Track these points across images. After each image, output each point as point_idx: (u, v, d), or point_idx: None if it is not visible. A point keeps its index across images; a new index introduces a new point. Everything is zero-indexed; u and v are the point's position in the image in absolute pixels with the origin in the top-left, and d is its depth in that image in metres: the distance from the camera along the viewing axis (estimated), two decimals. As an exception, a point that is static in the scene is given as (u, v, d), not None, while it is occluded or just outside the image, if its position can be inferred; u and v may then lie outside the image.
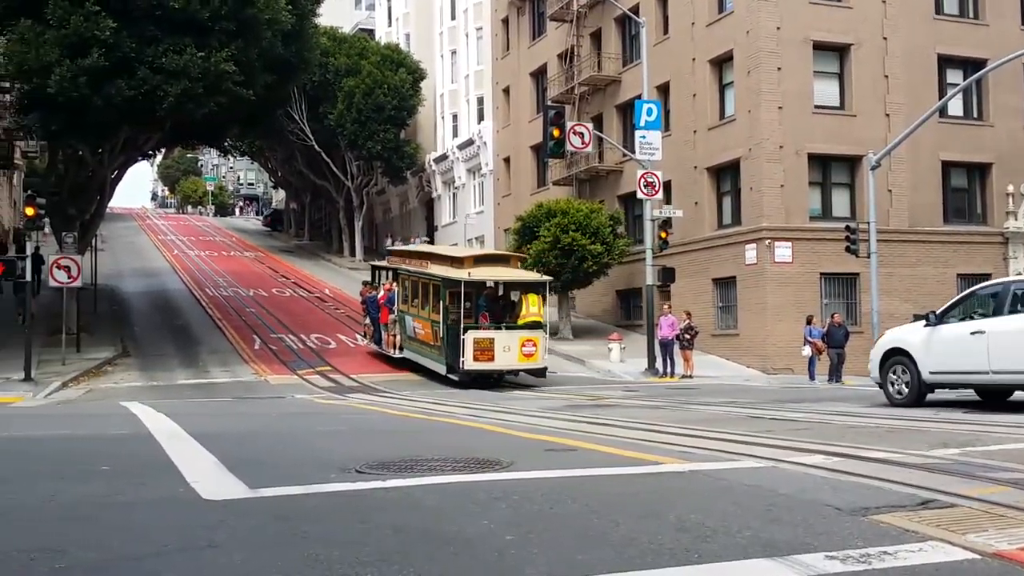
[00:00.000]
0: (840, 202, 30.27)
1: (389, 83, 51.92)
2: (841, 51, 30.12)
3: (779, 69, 28.99)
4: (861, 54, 29.99)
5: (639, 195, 28.13)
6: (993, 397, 14.49)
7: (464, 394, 20.06)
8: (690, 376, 25.80)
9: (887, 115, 30.10)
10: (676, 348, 26.56)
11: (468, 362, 22.27)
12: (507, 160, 45.78)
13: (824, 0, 29.90)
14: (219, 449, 8.57)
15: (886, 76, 30.23)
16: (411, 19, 60.03)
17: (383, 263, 31.58)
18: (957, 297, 15.41)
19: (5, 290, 31.94)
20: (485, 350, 22.33)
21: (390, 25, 63.19)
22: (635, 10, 33.84)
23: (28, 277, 25.12)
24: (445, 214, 53.99)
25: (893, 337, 15.34)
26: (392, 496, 6.19)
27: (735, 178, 30.59)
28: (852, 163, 30.03)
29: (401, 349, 26.51)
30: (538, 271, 28.95)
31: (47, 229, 34.01)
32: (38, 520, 5.50)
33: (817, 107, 29.55)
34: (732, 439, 9.33)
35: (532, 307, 22.83)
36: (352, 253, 58.02)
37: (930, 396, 14.70)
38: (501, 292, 24.06)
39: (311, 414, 14.85)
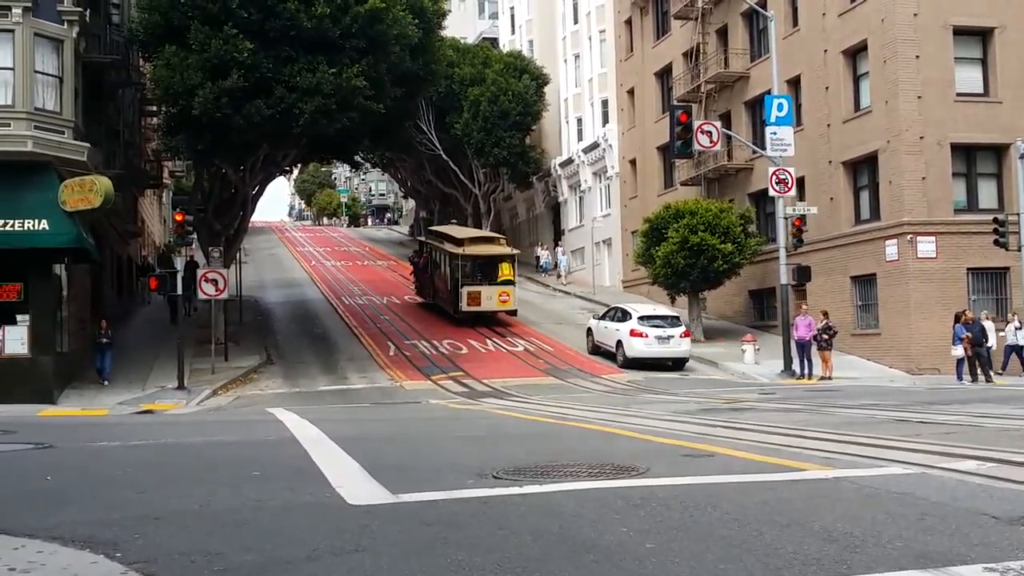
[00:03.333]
0: (987, 193, 28.83)
1: (513, 90, 52.34)
2: (984, 35, 28.69)
3: (917, 57, 27.83)
4: (1006, 37, 28.49)
5: (771, 192, 27.52)
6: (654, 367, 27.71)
7: (597, 399, 20.05)
8: (829, 377, 25.06)
9: (1036, 100, 28.52)
10: (814, 349, 25.86)
11: (464, 306, 34.38)
12: (633, 162, 45.48)
13: (964, -17, 28.57)
14: (361, 454, 8.83)
15: (1034, 59, 28.66)
16: (534, 26, 60.36)
17: (423, 239, 43.96)
18: (607, 309, 31.55)
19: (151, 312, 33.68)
20: (475, 298, 34.37)
21: (513, 33, 63.72)
22: (763, 4, 33.10)
23: (179, 290, 26.49)
24: (572, 218, 54.01)
25: (589, 324, 31.29)
26: (530, 502, 6.25)
27: (873, 171, 29.53)
28: (999, 152, 28.56)
29: (433, 298, 38.79)
30: (666, 272, 32.15)
31: (194, 245, 35.77)
32: (197, 524, 5.80)
33: (959, 95, 28.23)
34: (877, 444, 9.02)
35: (506, 271, 34.95)
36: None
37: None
38: (488, 260, 35.23)
39: (446, 419, 15.11)
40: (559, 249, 51.61)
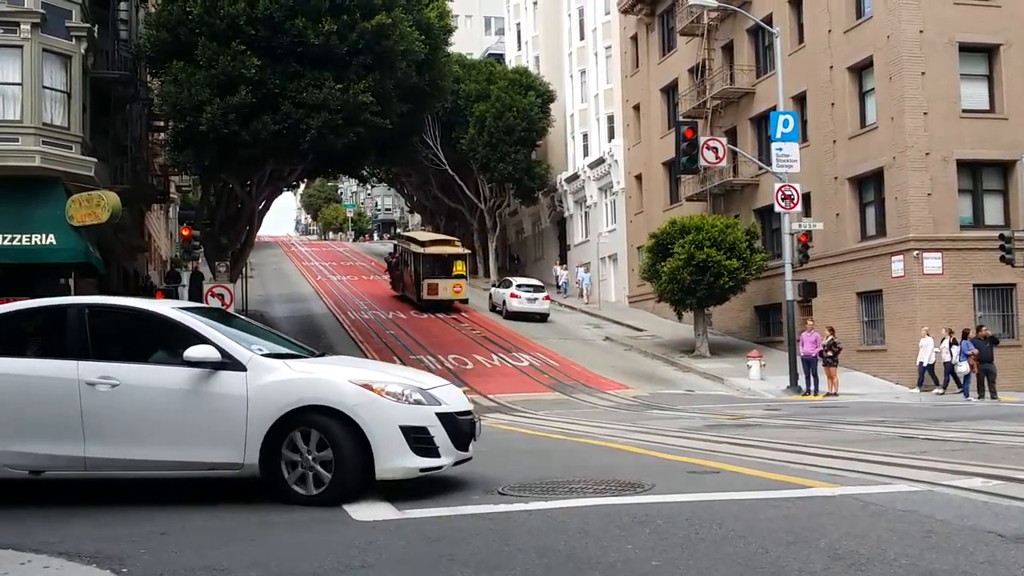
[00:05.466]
0: (993, 209, 28.80)
1: (518, 107, 52.50)
2: (989, 52, 28.73)
3: (923, 73, 27.87)
4: (1011, 54, 28.52)
5: (777, 208, 27.52)
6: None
7: (603, 414, 20.03)
8: (835, 394, 24.99)
9: (1042, 116, 28.52)
10: (820, 365, 25.80)
11: (425, 295, 41.89)
12: (639, 177, 45.54)
13: (969, 0, 28.62)
14: (366, 470, 8.80)
15: (1039, 75, 28.68)
16: (540, 41, 60.63)
17: (395, 241, 53.62)
18: (500, 279, 45.93)
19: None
20: (433, 289, 41.88)
21: (519, 48, 63.99)
22: (768, 20, 33.20)
23: (188, 298, 26.52)
24: (577, 233, 54.07)
25: (490, 291, 44.85)
26: (535, 518, 6.24)
27: (878, 187, 29.54)
28: (1004, 168, 28.56)
29: (403, 290, 46.30)
30: (672, 288, 32.11)
31: (201, 259, 35.89)
32: (203, 538, 5.81)
33: (965, 111, 28.25)
34: (883, 461, 9.00)
35: (458, 267, 42.79)
36: (487, 274, 58.69)
37: None
38: (445, 258, 42.74)
39: (451, 435, 15.05)
40: (580, 267, 50.47)
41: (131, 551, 5.38)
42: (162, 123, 36.06)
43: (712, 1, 31.44)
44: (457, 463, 7.42)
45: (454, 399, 7.49)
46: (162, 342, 7.39)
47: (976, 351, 24.14)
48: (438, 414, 7.09)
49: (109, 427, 6.92)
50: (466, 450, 7.45)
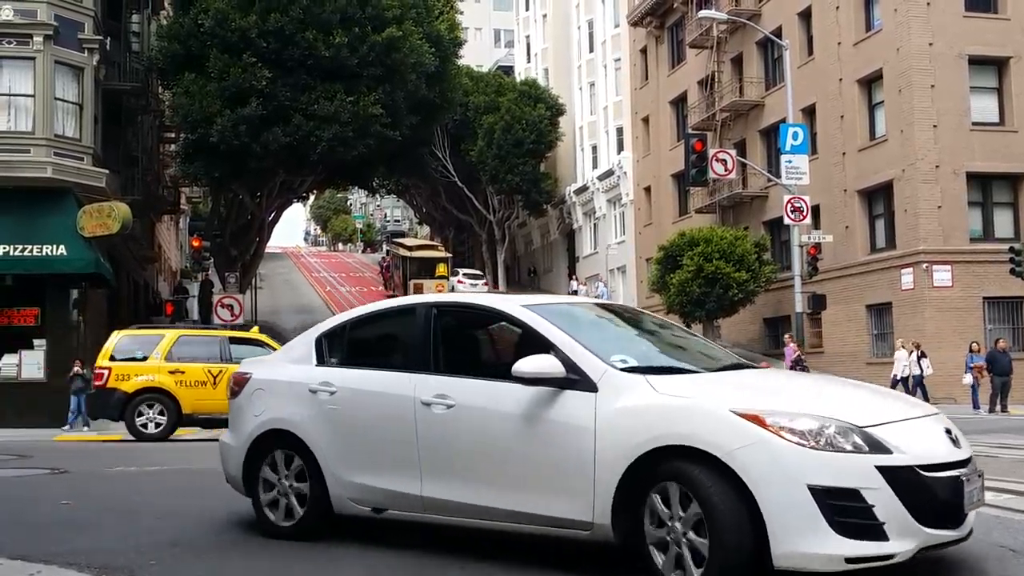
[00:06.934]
0: (1003, 222, 28.72)
1: (527, 119, 52.57)
2: (999, 64, 28.71)
3: (932, 86, 27.85)
4: (1021, 67, 28.47)
5: (786, 220, 27.50)
6: None
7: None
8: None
9: (1052, 129, 28.46)
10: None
11: (411, 294, 41.95)
12: (647, 189, 45.54)
13: (978, 13, 28.62)
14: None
15: (1049, 88, 28.64)
16: (549, 54, 60.74)
17: (388, 247, 62.36)
18: (452, 271, 52.81)
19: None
20: (419, 288, 45.60)
21: (529, 61, 64.12)
22: (777, 33, 33.23)
23: (197, 312, 26.64)
24: (586, 245, 54.05)
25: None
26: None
27: (888, 200, 29.48)
28: (1014, 181, 28.50)
29: (393, 290, 50.75)
30: (681, 300, 32.12)
31: (211, 269, 35.97)
32: (213, 551, 5.82)
33: (975, 124, 28.20)
34: (893, 475, 8.93)
35: (441, 269, 48.92)
36: (496, 285, 58.75)
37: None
38: (429, 261, 49.91)
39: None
40: (599, 280, 49.58)
41: (140, 562, 5.39)
42: (173, 134, 36.22)
43: (722, 14, 31.49)
44: (929, 548, 4.45)
45: (920, 443, 4.62)
46: (507, 350, 5.81)
47: (982, 364, 24.00)
48: (882, 468, 4.31)
49: (444, 460, 5.44)
50: (951, 527, 4.52)
